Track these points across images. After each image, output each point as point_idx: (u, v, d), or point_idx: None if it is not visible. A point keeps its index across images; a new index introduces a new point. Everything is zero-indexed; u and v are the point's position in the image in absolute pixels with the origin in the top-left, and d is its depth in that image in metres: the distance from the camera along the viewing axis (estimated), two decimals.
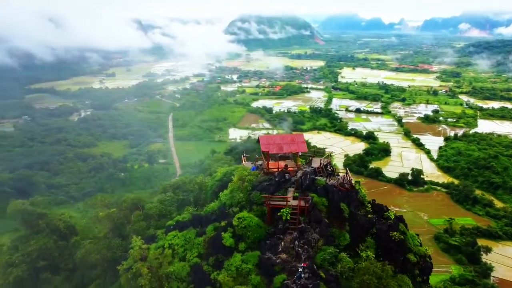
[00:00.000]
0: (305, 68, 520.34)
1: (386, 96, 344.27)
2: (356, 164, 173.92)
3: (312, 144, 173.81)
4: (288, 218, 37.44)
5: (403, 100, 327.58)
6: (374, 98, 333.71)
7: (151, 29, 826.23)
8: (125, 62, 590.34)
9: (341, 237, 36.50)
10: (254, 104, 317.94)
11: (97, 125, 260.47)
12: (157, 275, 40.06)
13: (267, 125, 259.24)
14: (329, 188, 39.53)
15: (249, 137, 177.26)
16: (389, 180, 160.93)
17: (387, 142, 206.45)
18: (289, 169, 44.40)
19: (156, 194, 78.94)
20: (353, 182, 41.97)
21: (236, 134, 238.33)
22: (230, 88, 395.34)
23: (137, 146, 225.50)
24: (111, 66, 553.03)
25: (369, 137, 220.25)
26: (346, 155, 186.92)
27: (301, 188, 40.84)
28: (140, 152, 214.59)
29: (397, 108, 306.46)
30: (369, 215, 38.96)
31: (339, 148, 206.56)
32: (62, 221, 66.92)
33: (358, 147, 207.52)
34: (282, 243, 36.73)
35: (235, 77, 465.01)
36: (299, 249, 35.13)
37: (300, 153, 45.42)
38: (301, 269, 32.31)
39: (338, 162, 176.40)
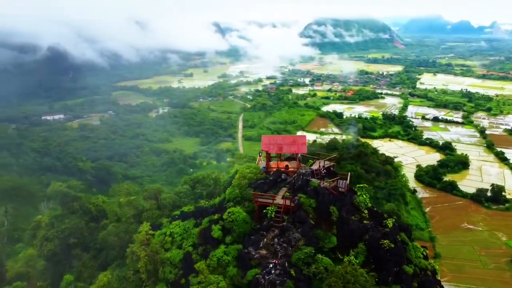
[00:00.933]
0: (381, 73, 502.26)
1: (469, 105, 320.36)
2: (429, 175, 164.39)
3: (380, 152, 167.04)
4: (273, 216, 38.40)
5: (488, 109, 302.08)
6: (455, 107, 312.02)
7: (229, 32, 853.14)
8: (203, 64, 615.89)
9: (326, 240, 36.51)
10: (325, 108, 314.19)
11: (172, 122, 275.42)
12: (154, 259, 43.32)
13: (336, 129, 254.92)
14: (319, 190, 39.47)
15: (314, 141, 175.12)
16: (464, 195, 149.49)
17: (466, 154, 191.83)
18: (289, 169, 45.25)
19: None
20: (354, 187, 42.40)
21: None
22: (301, 91, 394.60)
23: (207, 144, 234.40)
24: (190, 67, 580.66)
25: (445, 147, 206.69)
26: (418, 166, 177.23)
27: (293, 189, 41.43)
28: (210, 150, 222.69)
29: (481, 118, 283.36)
30: (364, 221, 38.21)
31: (411, 158, 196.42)
32: (94, 205, 73.61)
33: (432, 157, 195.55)
34: (265, 240, 37.89)
35: (307, 80, 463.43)
36: (278, 247, 36.18)
37: (299, 155, 46.02)
38: (271, 265, 33.84)
39: (409, 172, 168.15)
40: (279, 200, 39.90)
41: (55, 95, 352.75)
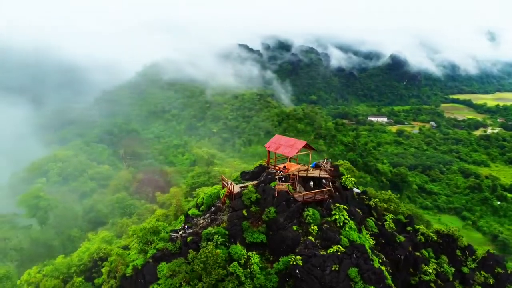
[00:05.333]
0: None
1: None
2: None
3: None
4: (221, 197, 46.82)
5: None
6: None
7: None
8: None
9: (249, 233, 39.51)
10: None
11: (497, 145, 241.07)
12: (178, 209, 62.83)
13: None
14: (266, 189, 42.42)
15: None
16: None
17: None
18: (285, 170, 46.37)
19: None
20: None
21: None
22: None
23: None
24: None
25: None
26: None
27: (258, 183, 45.40)
28: None
29: None
30: (309, 237, 38.57)
31: None
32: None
33: None
34: (213, 215, 45.83)
35: None
36: (204, 220, 45.10)
37: (289, 157, 47.41)
38: (180, 228, 43.87)
39: None
40: (229, 186, 45.14)
41: (385, 100, 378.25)
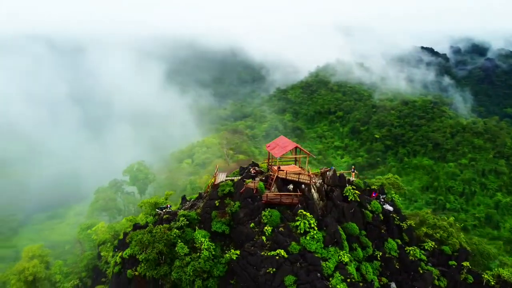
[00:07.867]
0: None
1: None
2: None
3: None
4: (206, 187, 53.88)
5: None
6: None
7: None
8: None
9: (215, 222, 42.26)
10: None
11: None
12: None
13: None
14: (238, 184, 45.38)
15: None
16: None
17: None
18: (279, 171, 46.14)
19: None
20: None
21: None
22: None
23: None
24: None
25: None
26: None
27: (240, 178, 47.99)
28: None
29: None
30: (263, 237, 39.23)
31: None
32: None
33: None
34: (195, 201, 51.28)
35: None
36: (189, 204, 50.85)
37: (278, 158, 46.88)
38: (163, 207, 50.16)
39: None
40: (214, 176, 49.05)
41: None
